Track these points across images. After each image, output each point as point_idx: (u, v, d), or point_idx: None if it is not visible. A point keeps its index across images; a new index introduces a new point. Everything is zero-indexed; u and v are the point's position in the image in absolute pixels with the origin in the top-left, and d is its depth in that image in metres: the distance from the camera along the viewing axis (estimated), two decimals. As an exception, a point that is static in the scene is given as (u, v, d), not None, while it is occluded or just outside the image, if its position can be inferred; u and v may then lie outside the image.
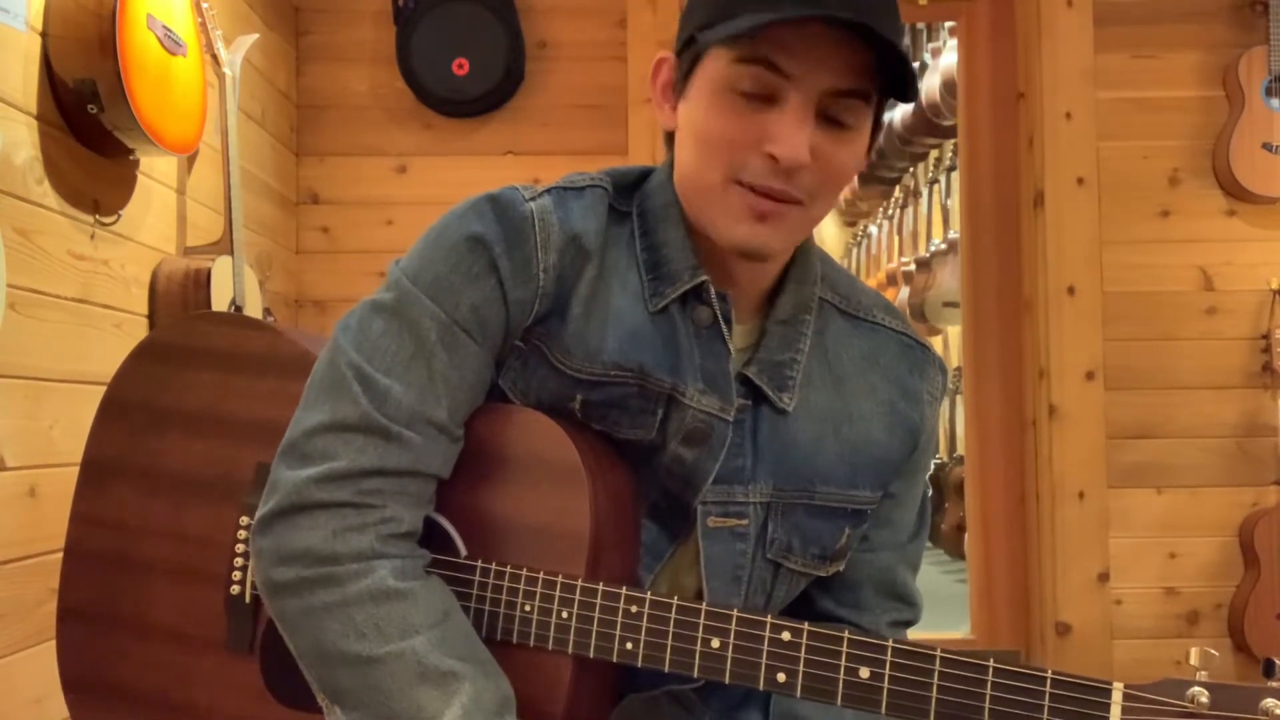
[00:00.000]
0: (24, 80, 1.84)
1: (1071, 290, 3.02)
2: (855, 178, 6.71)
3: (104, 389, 1.27)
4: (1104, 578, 2.98)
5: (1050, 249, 3.03)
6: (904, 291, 5.92)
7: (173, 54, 2.07)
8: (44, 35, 1.89)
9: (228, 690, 1.17)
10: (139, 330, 2.19)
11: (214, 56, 2.33)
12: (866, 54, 1.02)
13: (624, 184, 1.17)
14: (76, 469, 1.26)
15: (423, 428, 1.06)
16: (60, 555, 1.25)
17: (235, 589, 1.19)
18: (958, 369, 4.16)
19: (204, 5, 2.27)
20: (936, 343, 6.05)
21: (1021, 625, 3.12)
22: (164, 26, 2.04)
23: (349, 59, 3.16)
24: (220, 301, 2.25)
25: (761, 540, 1.15)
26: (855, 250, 7.88)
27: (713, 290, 1.12)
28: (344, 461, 1.04)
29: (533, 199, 1.11)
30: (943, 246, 5.50)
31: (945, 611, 3.77)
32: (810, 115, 1.03)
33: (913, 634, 1.33)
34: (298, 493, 1.04)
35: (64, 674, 1.24)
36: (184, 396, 1.23)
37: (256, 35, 2.59)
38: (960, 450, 4.85)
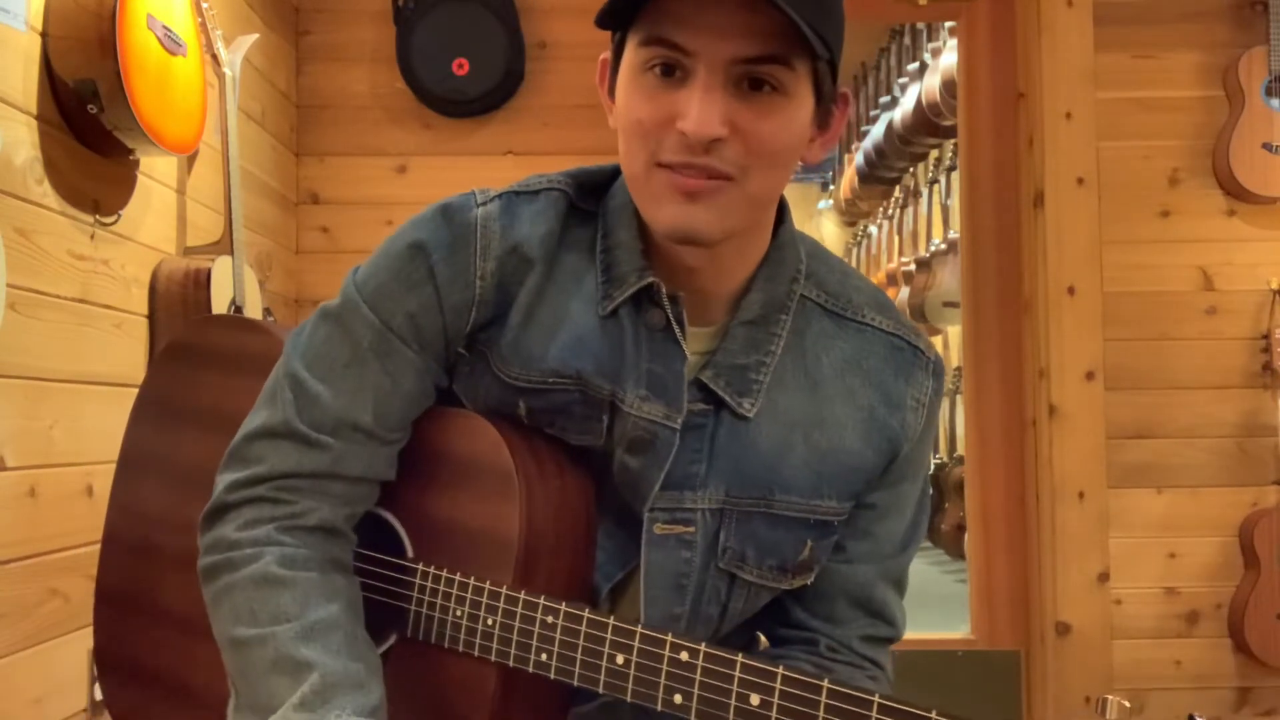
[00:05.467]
0: (24, 80, 1.84)
1: (1071, 290, 3.02)
2: (856, 178, 6.59)
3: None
4: (1104, 578, 2.98)
5: (1050, 249, 3.02)
6: (904, 291, 5.91)
7: (173, 54, 2.07)
8: (44, 35, 1.88)
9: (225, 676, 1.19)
10: (139, 330, 2.19)
11: (214, 56, 2.33)
12: (778, 17, 0.97)
13: (592, 184, 1.15)
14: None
15: (347, 433, 1.09)
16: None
17: None
18: (958, 369, 4.15)
19: (204, 5, 2.27)
20: (936, 343, 6.05)
21: (1021, 625, 3.12)
22: (164, 26, 2.04)
23: (349, 59, 3.16)
24: (220, 302, 2.25)
25: (713, 549, 1.12)
26: (855, 250, 7.87)
27: (664, 291, 1.08)
28: (267, 465, 1.10)
29: (483, 204, 1.11)
30: (943, 246, 5.49)
31: (945, 611, 3.76)
32: (718, 87, 0.99)
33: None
34: (227, 492, 1.10)
35: (97, 652, 1.32)
36: (196, 395, 1.31)
37: (256, 35, 2.59)
38: (960, 450, 4.85)
